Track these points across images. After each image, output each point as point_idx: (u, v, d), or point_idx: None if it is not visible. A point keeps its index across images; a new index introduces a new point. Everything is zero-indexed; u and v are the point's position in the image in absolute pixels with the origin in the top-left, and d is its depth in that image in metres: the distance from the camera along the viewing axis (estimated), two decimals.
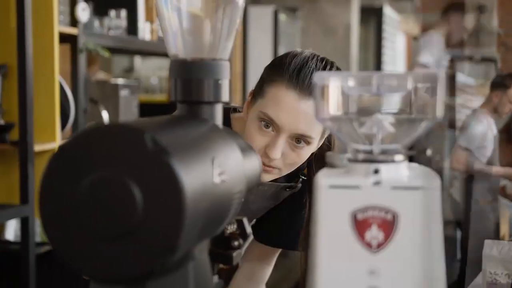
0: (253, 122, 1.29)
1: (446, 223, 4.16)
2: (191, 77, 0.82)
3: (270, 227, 1.50)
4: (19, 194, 2.35)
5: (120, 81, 3.16)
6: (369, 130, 0.72)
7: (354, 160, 0.72)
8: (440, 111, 0.70)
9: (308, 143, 1.27)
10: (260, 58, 4.75)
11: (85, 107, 2.77)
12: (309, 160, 1.37)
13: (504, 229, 4.20)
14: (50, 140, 2.51)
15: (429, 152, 3.50)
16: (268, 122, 1.27)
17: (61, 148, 0.64)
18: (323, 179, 0.70)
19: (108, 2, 3.04)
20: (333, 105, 0.73)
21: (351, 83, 0.72)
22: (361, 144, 0.73)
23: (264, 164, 1.28)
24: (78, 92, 2.71)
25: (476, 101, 4.44)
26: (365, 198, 0.69)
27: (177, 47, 0.83)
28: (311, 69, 1.27)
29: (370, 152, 0.72)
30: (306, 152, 1.30)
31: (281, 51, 5.92)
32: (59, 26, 2.56)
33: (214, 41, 0.84)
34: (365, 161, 0.71)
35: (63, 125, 2.61)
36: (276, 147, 1.26)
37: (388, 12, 7.54)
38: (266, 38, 4.96)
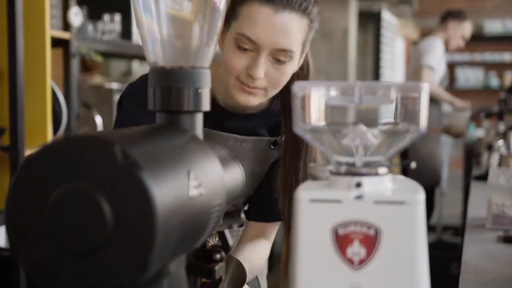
0: (230, 47, 1.25)
1: None
2: (170, 85, 0.79)
3: (262, 202, 1.46)
4: None
5: (115, 85, 3.14)
6: (352, 142, 0.69)
7: (336, 173, 0.70)
8: (424, 123, 0.67)
9: (289, 58, 1.24)
10: None
11: (78, 112, 2.74)
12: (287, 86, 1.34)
13: None
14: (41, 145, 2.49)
15: (413, 165, 3.49)
16: (245, 43, 1.23)
17: (29, 159, 0.61)
18: (303, 192, 0.68)
19: (102, 6, 3.01)
20: (314, 115, 0.70)
21: (332, 93, 0.69)
22: (344, 156, 0.71)
23: (248, 86, 1.25)
24: (71, 96, 2.69)
25: None
26: (347, 213, 0.66)
27: (156, 55, 0.81)
28: None
29: (352, 164, 0.70)
30: (289, 68, 1.26)
31: None
32: (52, 30, 2.54)
33: (194, 48, 0.81)
34: (347, 173, 0.69)
35: (55, 130, 2.58)
36: (257, 65, 1.23)
37: (387, 16, 7.52)
38: None
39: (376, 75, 7.41)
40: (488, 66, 10.17)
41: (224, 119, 1.38)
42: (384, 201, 0.66)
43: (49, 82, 2.48)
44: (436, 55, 4.46)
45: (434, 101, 4.51)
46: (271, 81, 1.26)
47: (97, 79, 4.10)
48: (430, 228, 5.42)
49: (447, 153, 5.86)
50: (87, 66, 3.53)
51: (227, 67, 1.26)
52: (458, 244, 4.47)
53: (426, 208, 3.23)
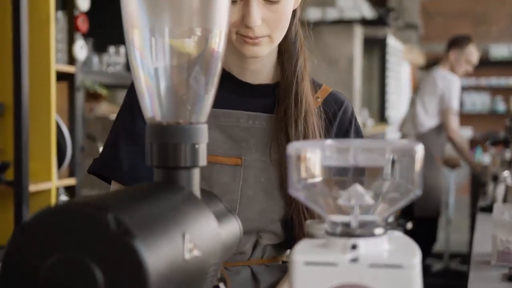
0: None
1: None
2: (167, 141, 0.79)
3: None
4: None
5: None
6: (347, 202, 0.69)
7: (332, 234, 0.69)
8: (419, 186, 0.67)
9: None
10: None
11: (82, 144, 2.75)
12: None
13: None
14: (46, 179, 2.49)
15: (409, 225, 3.51)
16: None
17: (23, 226, 0.61)
18: (299, 255, 0.67)
19: (107, 39, 3.03)
20: (309, 175, 0.70)
21: (327, 153, 0.69)
22: (339, 215, 0.70)
23: (250, 37, 1.18)
24: (75, 130, 2.70)
25: None
26: (342, 276, 0.66)
27: (153, 110, 0.81)
28: None
29: (348, 224, 0.69)
30: (285, 6, 1.19)
31: None
32: (57, 64, 2.55)
33: (191, 103, 0.81)
34: (342, 235, 0.68)
35: (60, 164, 2.59)
36: (250, 14, 1.15)
37: (392, 42, 7.54)
38: None
39: (382, 101, 7.42)
40: (494, 91, 10.18)
41: (239, 94, 1.30)
42: (380, 265, 0.65)
43: (54, 117, 2.50)
44: (457, 96, 4.50)
45: (439, 129, 4.50)
46: (271, 25, 1.19)
47: (103, 106, 4.12)
48: (437, 256, 5.38)
49: (453, 179, 5.84)
50: (93, 94, 3.55)
51: None
52: (466, 273, 4.44)
53: (429, 238, 3.20)
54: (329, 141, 0.71)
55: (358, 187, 0.69)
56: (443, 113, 4.39)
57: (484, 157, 8.89)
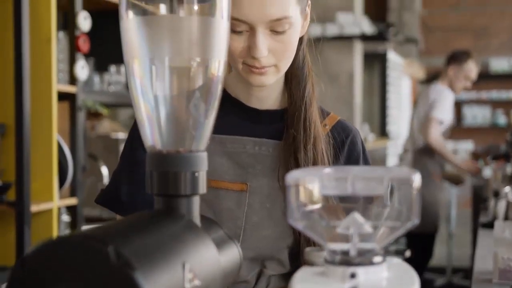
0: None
1: None
2: (168, 170, 0.80)
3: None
4: (15, 256, 2.33)
5: (121, 135, 3.16)
6: (346, 231, 0.69)
7: (331, 262, 0.70)
8: (417, 214, 0.68)
9: (288, 24, 1.15)
10: None
11: (84, 164, 2.76)
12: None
13: None
14: (47, 200, 2.50)
15: (407, 253, 3.51)
16: (237, 26, 1.14)
17: (24, 258, 0.62)
18: (298, 283, 0.68)
19: (108, 58, 3.05)
20: (308, 204, 0.71)
21: (325, 182, 0.70)
22: (338, 243, 0.71)
23: (256, 67, 1.17)
24: (77, 149, 2.71)
25: None
26: None
27: (153, 139, 0.82)
28: None
29: (347, 252, 0.70)
30: (292, 36, 1.17)
31: None
32: (58, 84, 2.57)
33: (191, 132, 0.82)
34: (341, 263, 0.69)
35: (61, 184, 2.60)
36: (257, 44, 1.14)
37: (392, 57, 7.57)
38: None
39: (383, 116, 7.43)
40: (495, 104, 10.20)
41: (246, 120, 1.29)
42: None
43: (55, 137, 2.51)
44: (445, 108, 4.48)
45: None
46: (277, 55, 1.17)
47: (105, 124, 4.13)
48: (440, 271, 5.37)
49: (455, 193, 5.84)
50: (95, 113, 3.56)
51: (230, 55, 1.16)
52: None
53: (424, 254, 3.17)
54: (327, 170, 0.72)
55: (357, 216, 0.70)
56: (425, 120, 4.38)
57: (486, 171, 8.90)
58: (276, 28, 1.15)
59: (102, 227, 0.65)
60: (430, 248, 4.51)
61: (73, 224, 2.79)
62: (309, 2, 1.25)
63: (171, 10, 0.89)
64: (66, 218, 2.81)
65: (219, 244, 0.80)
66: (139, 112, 0.82)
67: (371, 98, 7.41)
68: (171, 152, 0.81)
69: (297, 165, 1.22)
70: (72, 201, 2.73)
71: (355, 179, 0.69)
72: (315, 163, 1.22)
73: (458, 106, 10.31)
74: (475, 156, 9.84)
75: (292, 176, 0.70)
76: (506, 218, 2.89)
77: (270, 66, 1.18)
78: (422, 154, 4.42)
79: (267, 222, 1.23)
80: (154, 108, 0.81)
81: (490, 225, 2.81)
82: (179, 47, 0.80)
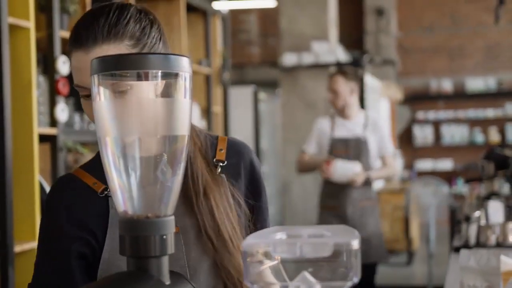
0: (82, 102, 1.23)
1: None
2: (138, 234, 0.89)
3: None
4: None
5: None
6: None
7: None
8: (357, 276, 0.77)
9: (130, 86, 1.12)
10: (242, 137, 4.85)
11: None
12: None
13: None
14: (30, 239, 2.57)
15: None
16: (83, 91, 1.20)
17: None
18: None
19: None
20: (261, 267, 0.80)
21: (277, 248, 0.79)
22: None
23: None
24: None
25: None
26: None
27: (125, 205, 0.91)
28: (91, 16, 1.22)
29: None
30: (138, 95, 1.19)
31: (263, 127, 6.05)
32: (39, 127, 2.65)
33: (159, 198, 0.91)
34: None
35: None
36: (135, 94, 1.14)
37: (369, 80, 7.71)
38: (247, 117, 5.08)
39: None
40: (472, 123, 10.38)
41: None
42: None
43: (37, 178, 2.58)
44: (311, 138, 4.25)
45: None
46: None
47: (88, 157, 4.19)
48: None
49: (433, 213, 5.95)
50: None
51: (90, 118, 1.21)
52: None
53: (367, 285, 3.14)
54: (278, 235, 0.81)
55: (307, 274, 0.79)
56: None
57: (464, 189, 9.04)
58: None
59: None
60: (372, 279, 4.24)
61: None
62: None
63: (138, 91, 0.99)
64: None
65: None
66: (112, 181, 0.91)
67: None
68: (141, 217, 0.90)
69: (195, 213, 1.28)
70: None
71: (303, 245, 0.78)
72: (211, 210, 1.28)
73: (437, 125, 10.49)
74: (454, 174, 9.99)
75: (248, 243, 0.79)
76: (477, 242, 2.99)
77: None
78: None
79: (206, 252, 1.30)
80: (125, 178, 0.90)
81: (462, 249, 2.89)
82: (146, 126, 0.89)
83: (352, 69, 4.22)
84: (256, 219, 1.36)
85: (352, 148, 4.07)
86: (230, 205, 1.30)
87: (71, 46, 1.22)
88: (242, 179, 1.36)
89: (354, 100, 4.05)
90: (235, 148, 1.37)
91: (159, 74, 0.88)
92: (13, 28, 2.56)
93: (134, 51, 1.21)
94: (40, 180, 2.65)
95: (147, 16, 1.25)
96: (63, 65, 2.77)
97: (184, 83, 0.90)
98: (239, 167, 1.36)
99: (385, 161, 4.14)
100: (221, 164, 1.33)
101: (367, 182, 4.12)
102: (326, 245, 0.78)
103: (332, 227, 0.83)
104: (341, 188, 4.10)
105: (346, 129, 4.08)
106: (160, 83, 0.89)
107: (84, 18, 1.23)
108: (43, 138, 2.72)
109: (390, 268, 6.53)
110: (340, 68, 4.32)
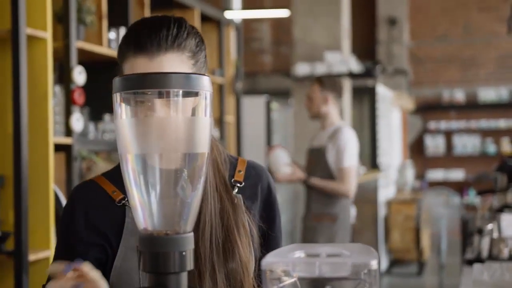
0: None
1: None
2: (158, 250, 0.90)
3: None
4: None
5: None
6: None
7: None
8: None
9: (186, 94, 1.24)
10: (254, 147, 4.87)
11: None
12: None
13: None
14: (44, 248, 2.59)
15: None
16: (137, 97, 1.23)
17: None
18: None
19: (103, 108, 3.16)
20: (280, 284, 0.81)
21: (296, 267, 0.80)
22: None
23: None
24: None
25: None
26: None
27: (145, 222, 0.92)
28: (151, 24, 1.24)
29: None
30: (188, 104, 1.22)
31: (275, 137, 6.07)
32: (55, 137, 2.67)
33: (178, 215, 0.92)
34: None
35: None
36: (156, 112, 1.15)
37: (381, 90, 7.71)
38: (259, 127, 5.10)
39: (373, 148, 7.55)
40: (484, 133, 10.34)
41: None
42: None
43: (52, 187, 2.60)
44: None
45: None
46: None
47: (100, 164, 4.22)
48: None
49: (444, 225, 5.94)
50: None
51: None
52: None
53: None
54: (297, 254, 0.82)
55: None
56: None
57: (476, 199, 9.00)
58: None
59: None
60: None
61: None
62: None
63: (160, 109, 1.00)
64: None
65: None
66: (133, 199, 0.93)
67: (362, 132, 7.53)
68: (161, 233, 0.91)
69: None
70: None
71: (322, 264, 0.79)
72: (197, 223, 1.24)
73: (449, 135, 10.46)
74: (465, 185, 9.94)
75: (267, 261, 0.80)
76: (490, 255, 2.98)
77: None
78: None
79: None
80: (146, 194, 0.92)
81: (474, 262, 2.88)
82: (167, 144, 0.90)
83: (333, 81, 4.13)
84: (267, 245, 1.36)
85: (314, 158, 4.01)
86: (244, 226, 1.31)
87: (131, 51, 1.23)
88: (258, 202, 1.38)
89: (330, 110, 3.99)
90: (254, 171, 1.39)
91: (180, 92, 0.90)
92: (30, 38, 2.59)
93: (191, 63, 1.25)
94: (55, 190, 2.67)
95: (198, 33, 1.30)
96: (79, 75, 2.79)
97: (205, 102, 0.92)
98: (256, 189, 1.38)
99: (340, 174, 3.86)
100: (238, 185, 1.35)
101: (332, 196, 3.88)
102: (344, 265, 0.79)
103: (350, 246, 0.84)
104: (306, 196, 4.01)
105: (318, 139, 4.05)
106: (181, 102, 0.91)
107: (143, 26, 1.26)
108: (58, 148, 2.74)
109: (400, 279, 6.51)
110: (321, 77, 4.29)
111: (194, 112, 0.92)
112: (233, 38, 4.87)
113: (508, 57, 10.24)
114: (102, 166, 4.07)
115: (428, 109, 10.47)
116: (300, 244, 0.86)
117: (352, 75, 5.69)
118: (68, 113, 2.78)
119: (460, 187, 9.92)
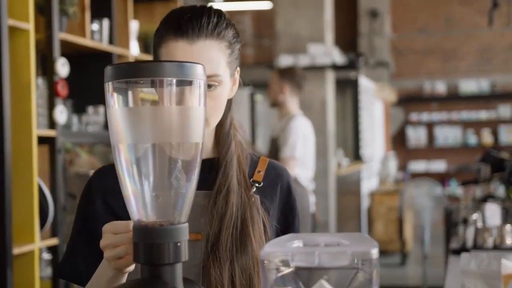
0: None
1: None
2: (152, 242, 0.89)
3: None
4: None
5: None
6: None
7: None
8: (377, 284, 0.77)
9: (218, 82, 1.24)
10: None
11: (64, 204, 2.82)
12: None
13: None
14: (29, 241, 2.56)
15: None
16: None
17: None
18: None
19: (86, 100, 3.13)
20: (278, 274, 0.80)
21: (295, 257, 0.79)
22: None
23: None
24: (57, 190, 2.77)
25: None
26: None
27: (139, 213, 0.91)
28: (192, 11, 1.26)
29: None
30: (221, 93, 1.26)
31: (259, 129, 6.06)
32: (38, 129, 2.64)
33: (173, 206, 0.91)
34: None
35: (42, 225, 2.66)
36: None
37: (364, 82, 7.73)
38: (243, 119, 5.08)
39: (356, 140, 7.57)
40: (465, 124, 10.41)
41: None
42: None
43: (36, 180, 2.57)
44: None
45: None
46: (207, 111, 1.21)
47: (83, 157, 4.18)
48: None
49: (428, 217, 5.97)
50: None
51: None
52: None
53: None
54: (295, 244, 0.81)
55: (324, 283, 0.79)
56: None
57: (458, 190, 9.07)
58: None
59: None
60: None
61: (54, 263, 2.85)
62: (239, 68, 1.34)
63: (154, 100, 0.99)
64: (47, 257, 2.87)
65: None
66: (125, 188, 0.91)
67: (344, 123, 7.55)
68: (155, 225, 0.90)
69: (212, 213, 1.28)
70: (53, 241, 2.79)
71: (321, 254, 0.78)
72: (223, 215, 1.27)
73: (430, 127, 10.52)
74: (447, 176, 10.01)
75: (265, 251, 0.79)
76: (474, 245, 2.99)
77: None
78: None
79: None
80: (139, 185, 0.90)
81: (460, 251, 2.90)
82: (160, 133, 0.89)
83: (293, 72, 4.14)
84: None
85: (272, 147, 4.07)
86: (258, 223, 1.30)
87: (171, 35, 1.23)
88: (277, 202, 1.36)
89: (287, 101, 4.01)
90: (274, 171, 1.38)
91: (174, 81, 0.88)
92: (12, 30, 2.55)
93: (228, 52, 1.27)
94: (39, 183, 2.64)
95: (235, 25, 1.32)
96: (62, 67, 2.76)
97: (198, 91, 0.90)
98: (276, 189, 1.37)
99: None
100: (256, 185, 1.34)
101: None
102: (344, 254, 0.78)
103: (348, 235, 0.84)
104: None
105: (277, 129, 4.12)
106: (174, 90, 0.89)
107: (184, 12, 1.26)
108: (42, 140, 2.71)
109: (384, 269, 6.54)
110: (282, 68, 4.31)
111: (187, 101, 0.90)
112: None
113: (489, 49, 10.31)
114: (85, 158, 4.03)
115: (410, 101, 10.52)
116: (298, 234, 0.86)
117: (335, 67, 5.68)
118: (51, 105, 2.75)
119: (441, 178, 9.98)
